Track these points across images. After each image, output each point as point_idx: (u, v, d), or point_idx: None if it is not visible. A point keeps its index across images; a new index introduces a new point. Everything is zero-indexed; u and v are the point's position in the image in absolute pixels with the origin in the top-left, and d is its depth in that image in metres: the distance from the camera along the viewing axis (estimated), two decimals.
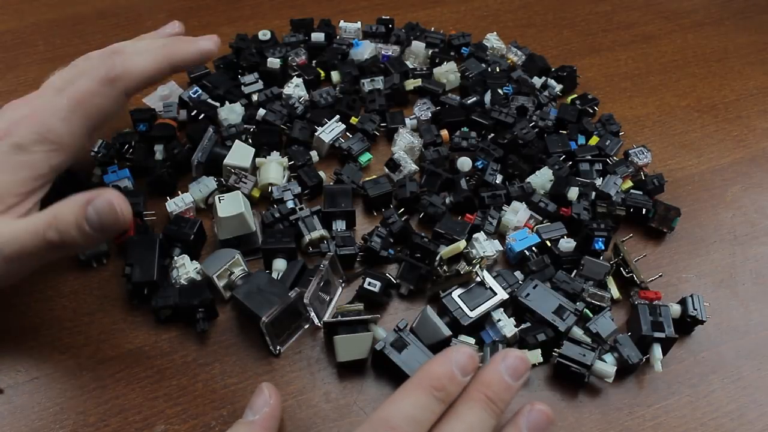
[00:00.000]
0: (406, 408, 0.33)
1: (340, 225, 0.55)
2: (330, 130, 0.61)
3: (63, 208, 0.42)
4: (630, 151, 0.61)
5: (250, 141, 0.60)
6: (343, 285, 0.53)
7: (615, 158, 0.61)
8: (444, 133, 0.62)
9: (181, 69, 0.53)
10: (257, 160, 0.58)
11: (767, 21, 0.82)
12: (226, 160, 0.57)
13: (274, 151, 0.59)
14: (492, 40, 0.73)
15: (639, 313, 0.48)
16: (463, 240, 0.52)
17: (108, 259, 0.53)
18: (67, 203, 0.42)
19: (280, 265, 0.51)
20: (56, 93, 0.47)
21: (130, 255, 0.50)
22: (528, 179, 0.58)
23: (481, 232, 0.54)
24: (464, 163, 0.59)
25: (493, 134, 0.62)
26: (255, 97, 0.65)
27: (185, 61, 0.52)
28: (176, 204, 0.55)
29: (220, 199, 0.53)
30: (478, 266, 0.50)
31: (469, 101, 0.65)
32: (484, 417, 0.34)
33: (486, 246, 0.52)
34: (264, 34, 0.70)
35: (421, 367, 0.34)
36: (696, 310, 0.49)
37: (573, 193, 0.56)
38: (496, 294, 0.49)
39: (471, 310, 0.48)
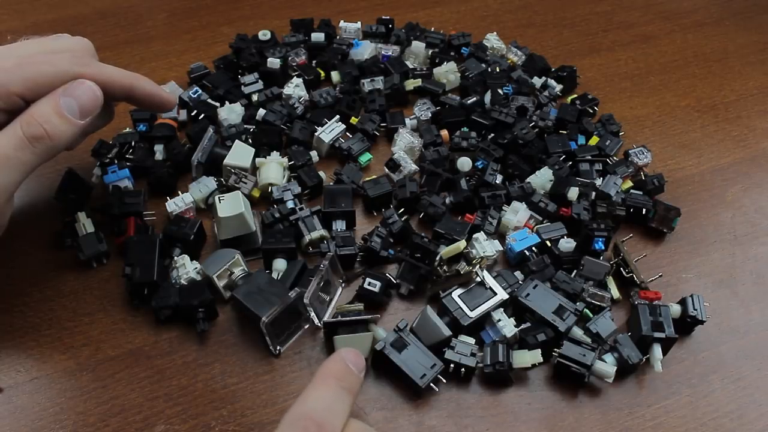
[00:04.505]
0: (322, 400, 0.34)
1: (340, 225, 0.55)
2: (330, 130, 0.61)
3: (37, 106, 0.42)
4: (630, 151, 0.61)
5: (250, 141, 0.60)
6: (343, 285, 0.53)
7: (615, 158, 0.61)
8: (444, 133, 0.62)
9: (138, 98, 0.49)
10: (257, 160, 0.58)
11: (767, 21, 0.82)
12: (226, 160, 0.57)
13: (274, 151, 0.59)
14: (492, 40, 0.73)
15: (639, 313, 0.48)
16: (463, 240, 0.52)
17: (108, 259, 0.53)
18: (37, 103, 0.42)
19: (280, 265, 0.51)
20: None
21: (130, 255, 0.50)
22: (528, 179, 0.58)
23: (481, 232, 0.54)
24: (464, 163, 0.59)
25: (493, 134, 0.62)
26: (255, 97, 0.65)
27: (146, 91, 0.49)
28: (176, 204, 0.55)
29: (220, 199, 0.53)
30: (478, 266, 0.50)
31: (469, 101, 0.65)
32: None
33: (486, 246, 0.52)
34: (264, 34, 0.70)
35: (319, 369, 0.36)
36: (696, 310, 0.49)
37: (573, 193, 0.56)
38: (496, 294, 0.49)
39: (471, 310, 0.48)
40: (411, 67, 0.69)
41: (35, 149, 0.42)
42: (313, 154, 0.60)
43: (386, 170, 0.60)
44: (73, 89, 0.43)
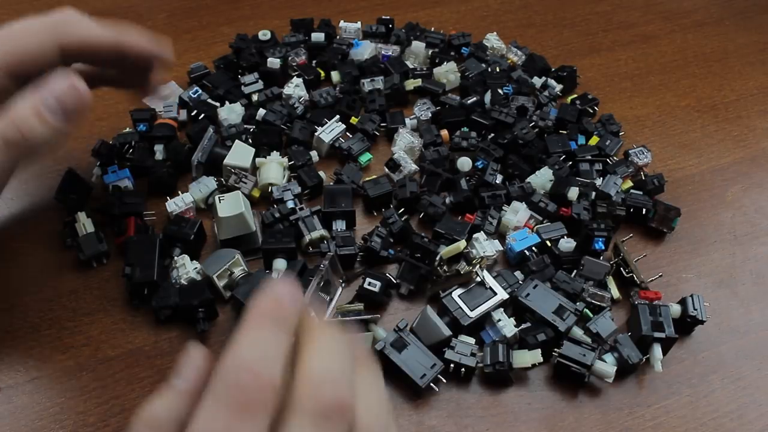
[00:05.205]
0: (256, 347, 0.29)
1: (340, 225, 0.55)
2: (330, 130, 0.61)
3: (17, 105, 0.40)
4: (630, 151, 0.61)
5: (250, 141, 0.60)
6: (343, 285, 0.53)
7: (615, 158, 0.61)
8: (444, 133, 0.62)
9: (129, 53, 0.48)
10: (257, 160, 0.58)
11: (767, 21, 0.82)
12: (226, 160, 0.57)
13: (274, 151, 0.59)
14: (492, 40, 0.73)
15: (639, 313, 0.48)
16: (463, 240, 0.52)
17: (108, 259, 0.53)
18: (19, 100, 0.40)
19: (280, 265, 0.51)
20: None
21: (130, 255, 0.50)
22: (528, 179, 0.58)
23: (481, 232, 0.54)
24: (464, 163, 0.59)
25: (493, 134, 0.62)
26: (255, 97, 0.65)
27: (134, 45, 0.47)
28: (176, 204, 0.55)
29: (220, 199, 0.53)
30: (478, 266, 0.50)
31: (469, 101, 0.65)
32: (332, 339, 0.31)
33: (486, 246, 0.52)
34: (264, 34, 0.70)
35: (248, 308, 0.31)
36: (696, 310, 0.49)
37: (573, 193, 0.56)
38: (496, 294, 0.49)
39: (471, 310, 0.48)
40: (411, 67, 0.69)
41: (11, 152, 0.40)
42: (313, 154, 0.60)
43: (386, 170, 0.60)
44: (55, 85, 0.40)
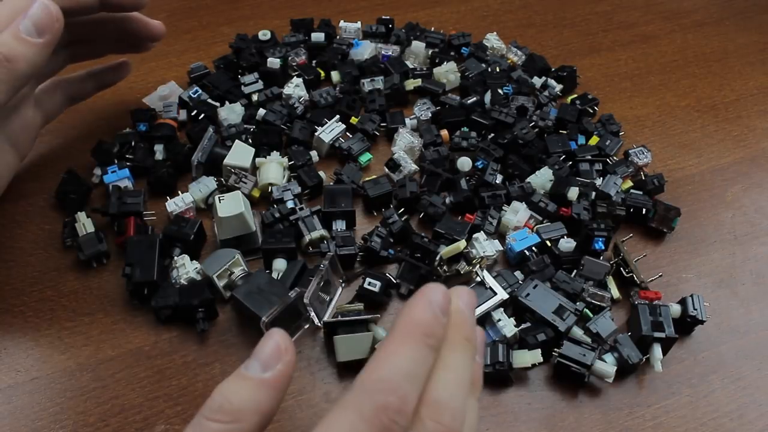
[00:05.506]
0: (403, 363, 0.28)
1: (340, 225, 0.55)
2: (330, 130, 0.61)
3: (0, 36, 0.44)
4: (630, 151, 0.61)
5: (250, 141, 0.60)
6: (343, 285, 0.53)
7: (615, 158, 0.61)
8: (444, 133, 0.62)
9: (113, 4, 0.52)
10: (257, 160, 0.58)
11: (767, 21, 0.82)
12: (226, 160, 0.57)
13: (274, 151, 0.59)
14: (492, 40, 0.73)
15: (639, 313, 0.48)
16: (463, 240, 0.52)
17: (108, 259, 0.53)
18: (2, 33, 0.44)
19: (280, 265, 0.51)
20: None
21: (130, 255, 0.50)
22: (528, 179, 0.58)
23: (481, 232, 0.54)
24: (464, 163, 0.59)
25: (493, 134, 0.62)
26: (255, 97, 0.65)
27: None
28: (176, 204, 0.55)
29: (220, 199, 0.53)
30: (478, 266, 0.50)
31: (469, 101, 0.65)
32: (466, 358, 0.32)
33: (486, 246, 0.52)
34: (264, 34, 0.70)
35: (403, 315, 0.30)
36: (696, 310, 0.49)
37: (573, 193, 0.56)
38: (496, 294, 0.49)
39: None
40: (411, 67, 0.69)
41: (3, 75, 0.43)
42: (313, 154, 0.60)
43: (386, 170, 0.60)
44: (29, 12, 0.44)
